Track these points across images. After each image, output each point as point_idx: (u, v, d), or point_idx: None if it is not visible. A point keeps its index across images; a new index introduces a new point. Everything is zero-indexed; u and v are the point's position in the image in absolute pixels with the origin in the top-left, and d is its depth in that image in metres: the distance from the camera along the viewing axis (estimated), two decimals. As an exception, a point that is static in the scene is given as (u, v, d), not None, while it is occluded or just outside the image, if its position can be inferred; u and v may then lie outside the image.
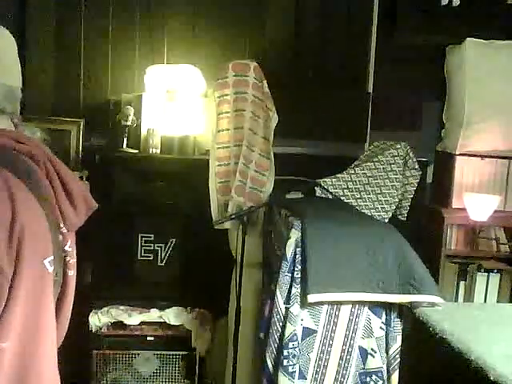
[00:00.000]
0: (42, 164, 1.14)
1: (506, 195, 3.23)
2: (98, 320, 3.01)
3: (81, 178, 2.98)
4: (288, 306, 2.18)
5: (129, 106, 3.15)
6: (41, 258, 1.08)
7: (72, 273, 1.23)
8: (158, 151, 3.16)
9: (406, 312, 2.20)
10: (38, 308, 1.07)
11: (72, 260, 1.23)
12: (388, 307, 2.22)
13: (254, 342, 2.64)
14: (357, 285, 2.16)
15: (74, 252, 1.25)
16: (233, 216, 2.56)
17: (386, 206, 2.82)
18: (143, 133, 3.18)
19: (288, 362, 2.16)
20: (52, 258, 1.10)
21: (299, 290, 2.17)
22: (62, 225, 1.18)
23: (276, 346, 2.21)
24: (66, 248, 1.21)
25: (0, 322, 1.00)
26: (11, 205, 1.02)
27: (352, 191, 2.83)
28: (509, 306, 1.93)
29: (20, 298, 1.02)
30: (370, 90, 3.53)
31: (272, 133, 2.88)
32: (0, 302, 1.00)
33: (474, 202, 3.05)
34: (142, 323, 3.07)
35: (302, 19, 3.52)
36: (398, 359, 2.17)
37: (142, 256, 3.15)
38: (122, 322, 3.03)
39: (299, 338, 2.19)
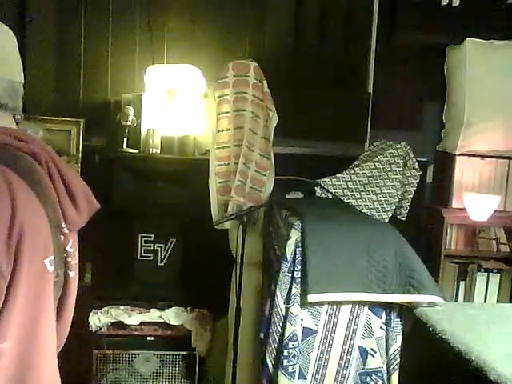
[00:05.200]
0: (44, 163, 1.14)
1: (506, 195, 3.23)
2: (98, 320, 3.01)
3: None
4: (288, 305, 2.18)
5: (129, 106, 3.15)
6: (41, 257, 1.07)
7: (73, 274, 1.23)
8: (158, 151, 3.16)
9: (405, 312, 2.21)
10: (37, 308, 1.07)
11: (73, 261, 1.22)
12: (388, 307, 2.22)
13: (254, 342, 2.64)
14: (357, 285, 2.16)
15: (76, 253, 1.24)
16: (233, 216, 2.56)
17: (385, 206, 2.82)
18: (143, 133, 3.18)
19: (288, 361, 2.16)
20: (52, 257, 1.10)
21: (299, 290, 2.17)
22: (63, 225, 1.17)
23: (276, 345, 2.21)
24: (68, 248, 1.20)
25: None
26: (11, 202, 1.01)
27: (352, 191, 2.82)
28: (509, 306, 1.93)
29: (19, 297, 1.02)
30: (370, 90, 3.53)
31: (272, 133, 2.88)
32: None
33: (474, 202, 3.05)
34: (142, 323, 3.07)
35: (301, 19, 3.51)
36: (398, 359, 2.17)
37: (141, 256, 3.15)
38: (122, 322, 3.03)
39: (299, 338, 2.19)
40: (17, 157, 1.10)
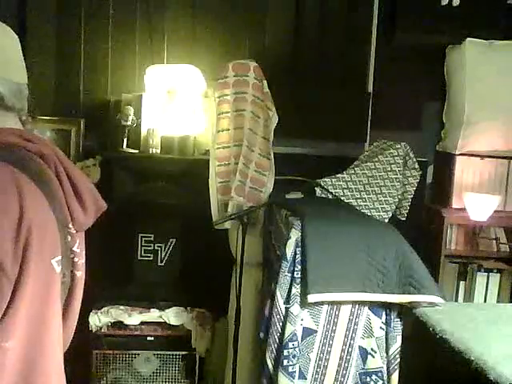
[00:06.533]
0: (51, 164, 1.14)
1: (506, 195, 3.23)
2: (98, 320, 3.01)
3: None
4: (288, 306, 2.18)
5: (129, 106, 3.15)
6: (48, 257, 1.07)
7: (80, 274, 1.23)
8: (158, 151, 3.16)
9: (405, 312, 2.20)
10: (44, 309, 1.06)
11: (80, 261, 1.22)
12: (388, 307, 2.22)
13: (254, 342, 2.64)
14: (357, 285, 2.16)
15: (83, 253, 1.24)
16: (233, 216, 2.56)
17: (386, 206, 2.82)
18: (143, 133, 3.18)
19: (288, 361, 2.16)
20: (60, 257, 1.10)
21: (299, 290, 2.17)
22: (70, 225, 1.17)
23: (276, 346, 2.21)
24: (75, 249, 1.20)
25: (3, 321, 1.00)
26: (20, 201, 1.01)
27: (352, 191, 2.82)
28: (509, 306, 1.93)
29: (26, 297, 1.01)
30: (370, 90, 3.53)
31: (272, 133, 2.88)
32: (1, 301, 0.99)
33: (474, 202, 3.05)
34: (142, 323, 3.07)
35: (301, 19, 3.51)
36: (398, 359, 2.17)
37: (142, 256, 3.15)
38: (121, 322, 3.03)
39: (299, 338, 2.19)
40: (25, 157, 1.10)
